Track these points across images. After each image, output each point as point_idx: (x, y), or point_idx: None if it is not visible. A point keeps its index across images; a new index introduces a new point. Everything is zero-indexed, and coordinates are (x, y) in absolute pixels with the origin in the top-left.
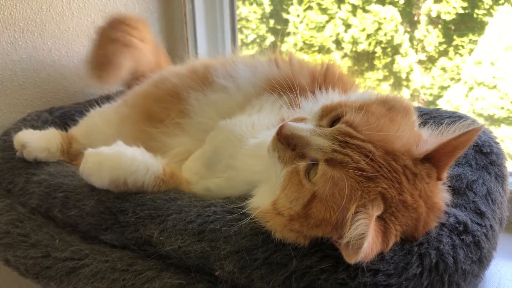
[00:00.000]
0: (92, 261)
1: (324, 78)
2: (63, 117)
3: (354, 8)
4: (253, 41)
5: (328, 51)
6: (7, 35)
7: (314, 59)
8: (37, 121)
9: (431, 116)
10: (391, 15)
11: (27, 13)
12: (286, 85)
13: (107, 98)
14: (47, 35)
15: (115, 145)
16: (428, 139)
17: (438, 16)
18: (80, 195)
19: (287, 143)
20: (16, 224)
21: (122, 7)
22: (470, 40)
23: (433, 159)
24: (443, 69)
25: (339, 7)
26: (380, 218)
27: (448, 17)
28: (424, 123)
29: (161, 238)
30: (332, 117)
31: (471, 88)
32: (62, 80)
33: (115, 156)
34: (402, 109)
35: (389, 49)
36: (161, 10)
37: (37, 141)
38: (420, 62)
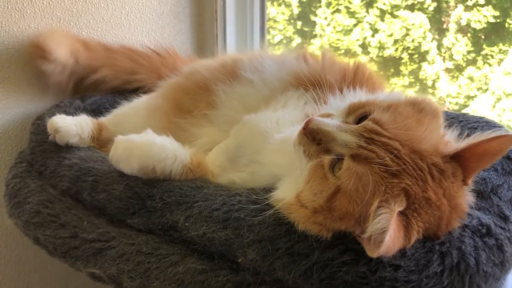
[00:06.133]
0: (118, 243)
1: (354, 77)
2: (94, 104)
3: (383, 13)
4: (279, 42)
5: (354, 54)
6: (45, 24)
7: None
8: (69, 108)
9: (458, 121)
10: (419, 21)
11: (65, 3)
12: (314, 81)
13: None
14: (82, 25)
15: (145, 133)
16: (458, 142)
17: (468, 25)
18: (109, 180)
19: (313, 137)
20: (46, 205)
21: (155, 1)
22: (500, 50)
23: (461, 159)
24: (471, 78)
25: (367, 11)
26: (402, 213)
27: (478, 26)
28: (449, 126)
29: (186, 224)
30: (359, 114)
31: (498, 99)
32: None
33: (145, 144)
34: (431, 112)
35: (416, 56)
36: (192, 6)
37: (69, 127)
38: (447, 70)
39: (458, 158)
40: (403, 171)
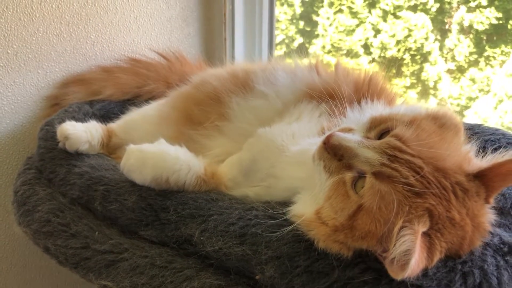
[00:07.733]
0: (131, 255)
1: (368, 88)
2: (103, 110)
3: (385, 13)
4: (281, 42)
5: (356, 55)
6: (54, 27)
7: (356, 67)
8: (78, 113)
9: (473, 132)
10: (422, 22)
11: (74, 7)
12: (328, 93)
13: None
14: (91, 28)
15: (158, 143)
16: (479, 160)
17: (471, 26)
18: (121, 190)
19: (334, 153)
20: (56, 214)
21: (163, 4)
22: (503, 51)
23: (485, 178)
24: (472, 79)
25: (369, 12)
26: (425, 234)
27: (481, 27)
28: (467, 139)
29: (202, 238)
30: (381, 129)
31: (500, 101)
32: None
33: (158, 154)
34: (453, 127)
35: (418, 57)
36: (201, 9)
37: (79, 134)
38: (449, 71)
39: (482, 177)
40: (427, 191)
